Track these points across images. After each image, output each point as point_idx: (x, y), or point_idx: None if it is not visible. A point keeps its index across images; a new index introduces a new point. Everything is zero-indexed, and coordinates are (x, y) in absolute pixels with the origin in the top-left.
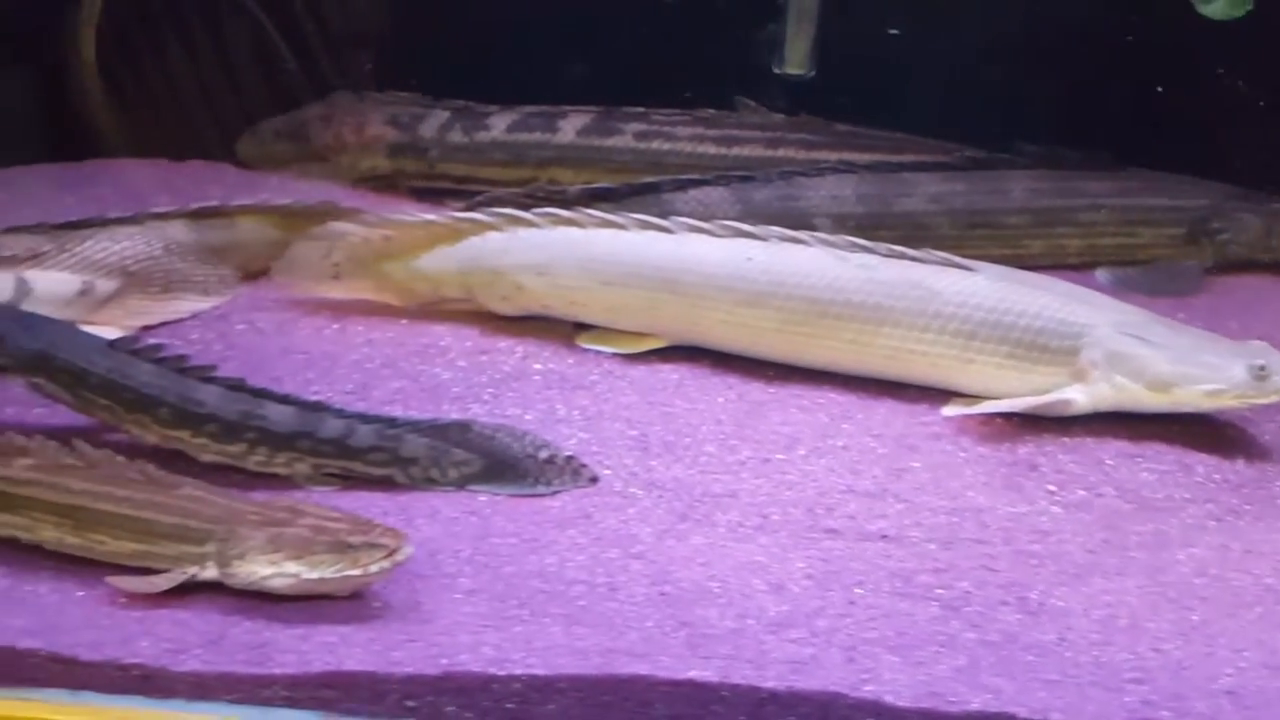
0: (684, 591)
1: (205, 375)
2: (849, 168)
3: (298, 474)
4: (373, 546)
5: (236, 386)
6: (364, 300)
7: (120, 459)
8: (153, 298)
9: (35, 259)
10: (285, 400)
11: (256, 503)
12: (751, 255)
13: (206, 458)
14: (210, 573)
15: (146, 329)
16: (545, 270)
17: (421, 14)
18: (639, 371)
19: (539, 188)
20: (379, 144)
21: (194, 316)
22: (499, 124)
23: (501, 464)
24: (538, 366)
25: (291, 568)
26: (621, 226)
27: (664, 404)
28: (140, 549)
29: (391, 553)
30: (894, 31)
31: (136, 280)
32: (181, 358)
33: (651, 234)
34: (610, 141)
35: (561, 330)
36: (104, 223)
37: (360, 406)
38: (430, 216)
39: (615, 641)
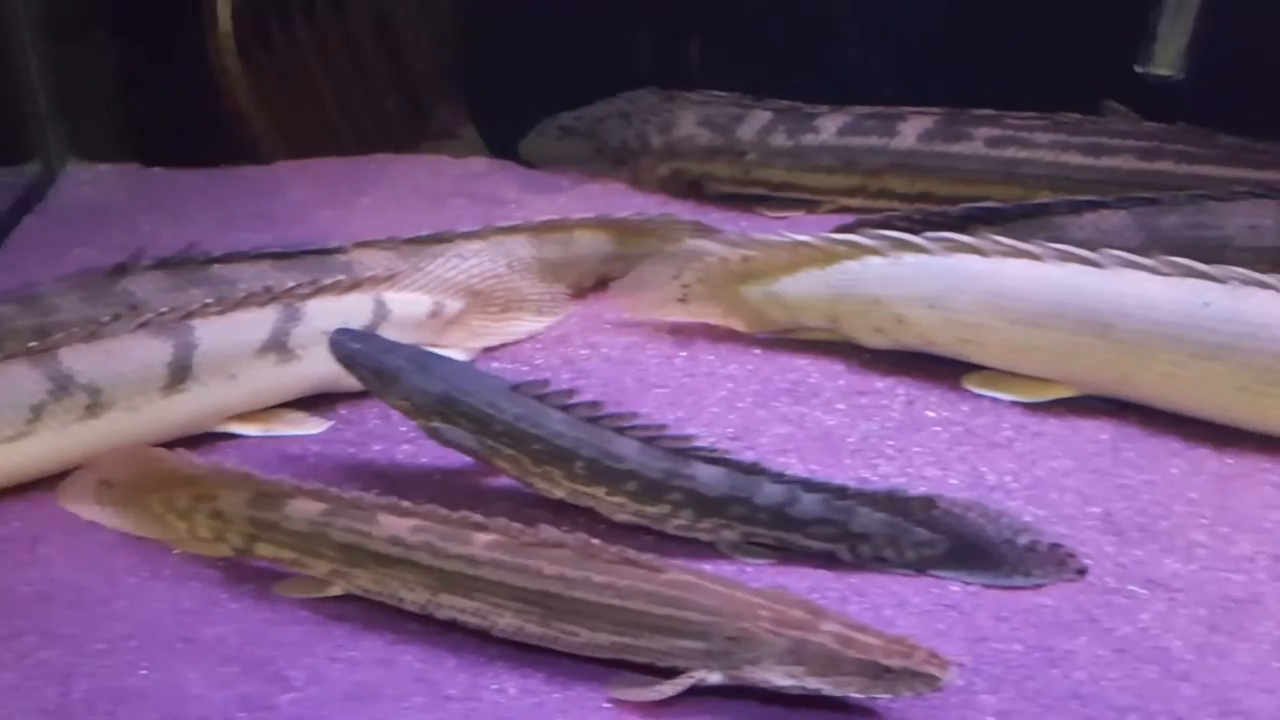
0: None
1: (620, 426)
2: (1268, 192)
3: (722, 541)
4: (914, 676)
5: (654, 439)
6: (704, 325)
7: (594, 540)
8: (493, 318)
9: (391, 280)
10: (714, 459)
11: (764, 595)
12: (1209, 299)
13: (620, 518)
14: (715, 677)
15: (488, 351)
16: (938, 303)
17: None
18: (1055, 428)
19: (916, 210)
20: (689, 146)
21: (530, 338)
22: (829, 126)
23: (973, 548)
24: (931, 414)
25: (813, 683)
26: (1036, 257)
27: (1111, 473)
28: (620, 642)
29: (933, 683)
30: None
31: (480, 300)
32: (595, 404)
33: (1075, 267)
34: (956, 148)
35: (939, 369)
36: (451, 238)
37: (750, 456)
38: (800, 237)
39: None
